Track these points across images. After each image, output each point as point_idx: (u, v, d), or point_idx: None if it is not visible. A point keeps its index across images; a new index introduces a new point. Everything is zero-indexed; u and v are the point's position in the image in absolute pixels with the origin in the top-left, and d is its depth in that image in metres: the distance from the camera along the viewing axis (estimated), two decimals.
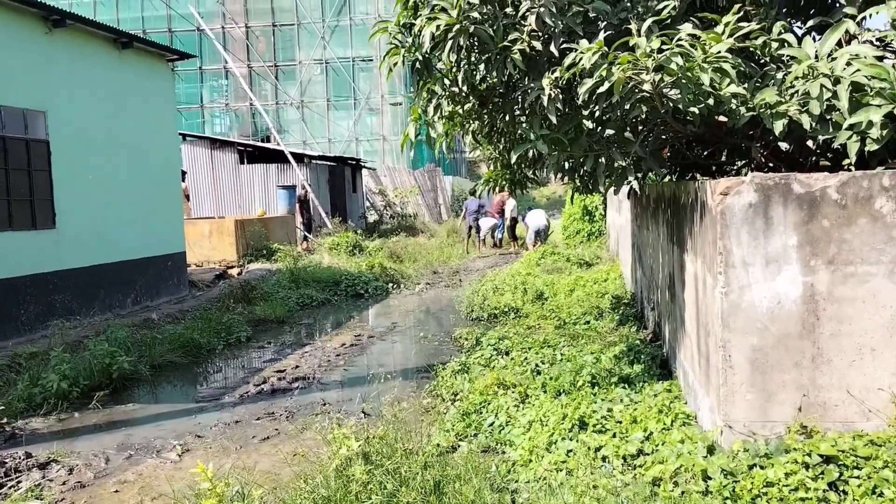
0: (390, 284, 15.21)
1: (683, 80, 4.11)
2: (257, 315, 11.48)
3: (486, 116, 5.73)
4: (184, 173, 15.56)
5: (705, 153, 6.88)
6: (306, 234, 20.14)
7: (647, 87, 4.24)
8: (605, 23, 4.80)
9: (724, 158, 6.82)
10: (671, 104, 4.39)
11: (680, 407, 5.14)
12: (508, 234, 21.93)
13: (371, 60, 38.45)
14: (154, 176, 13.28)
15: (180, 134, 17.45)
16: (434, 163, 36.09)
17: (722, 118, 4.47)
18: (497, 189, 8.66)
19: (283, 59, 39.36)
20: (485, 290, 12.05)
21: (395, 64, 5.09)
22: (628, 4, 4.79)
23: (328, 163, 24.10)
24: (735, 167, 6.54)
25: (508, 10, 4.95)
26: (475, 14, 4.66)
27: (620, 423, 5.08)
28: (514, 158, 5.02)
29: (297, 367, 8.50)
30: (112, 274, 11.90)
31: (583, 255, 14.91)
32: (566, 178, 6.78)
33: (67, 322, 10.68)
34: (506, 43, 4.76)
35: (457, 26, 4.61)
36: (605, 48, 4.23)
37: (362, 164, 28.13)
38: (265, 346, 9.96)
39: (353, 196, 26.13)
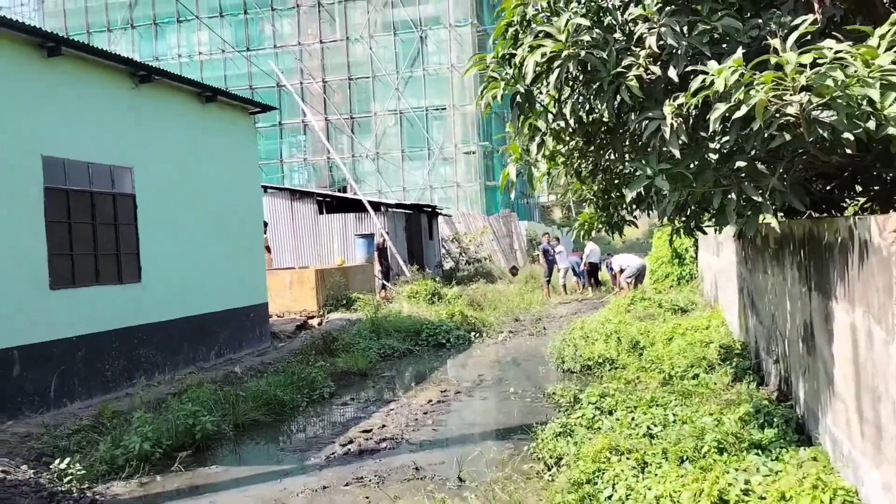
0: (472, 333, 14.68)
1: (839, 100, 3.52)
2: (339, 368, 11.12)
3: (590, 154, 5.22)
4: (265, 224, 15.57)
5: (828, 187, 6.19)
6: (385, 282, 19.90)
7: (791, 109, 3.66)
8: (732, 42, 4.26)
9: (847, 192, 6.11)
10: (819, 130, 3.78)
11: (835, 481, 4.38)
12: (587, 280, 21.19)
13: (444, 109, 38.69)
14: (237, 227, 13.26)
15: (262, 186, 17.64)
16: (509, 208, 35.69)
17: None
18: (588, 233, 8.12)
19: (358, 112, 40.03)
20: (574, 339, 11.37)
21: (494, 97, 4.66)
22: (759, 21, 4.24)
23: (404, 210, 24.00)
24: (865, 202, 5.82)
25: (617, 34, 4.48)
26: (585, 38, 4.20)
27: (764, 499, 4.37)
28: (629, 196, 4.48)
29: (383, 426, 8.02)
30: (195, 327, 11.80)
31: (676, 300, 14.05)
32: (665, 219, 6.21)
33: (151, 377, 10.59)
34: (619, 69, 4.27)
35: (565, 52, 4.15)
36: (743, 67, 3.68)
37: (438, 210, 27.95)
38: (349, 403, 9.55)
39: (429, 243, 25.90)
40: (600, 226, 7.88)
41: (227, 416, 8.33)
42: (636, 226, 7.97)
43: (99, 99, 10.10)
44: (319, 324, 16.52)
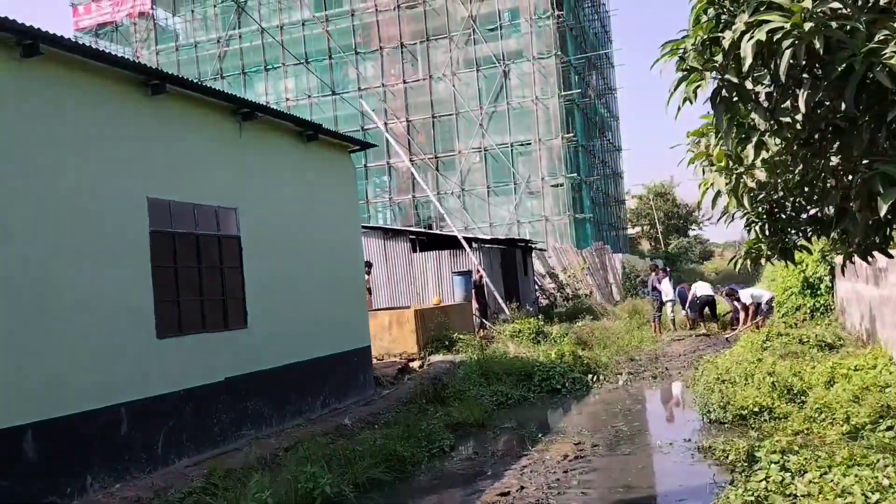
0: (587, 376, 13.55)
1: None
2: (454, 418, 10.23)
3: (802, 159, 4.23)
4: (369, 265, 15.00)
5: None
6: (483, 320, 19.01)
7: None
8: None
9: None
10: None
11: None
12: (698, 314, 19.67)
13: (529, 144, 37.93)
14: (339, 268, 12.70)
15: None
16: (601, 241, 34.38)
17: None
18: (755, 261, 7.03)
19: (442, 150, 39.75)
20: (714, 384, 10.11)
21: (696, 90, 3.74)
22: None
23: (499, 246, 23.16)
24: None
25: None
26: (830, 5, 3.27)
27: None
28: (883, 209, 3.46)
29: (521, 487, 7.04)
30: (301, 374, 11.18)
31: (822, 335, 12.56)
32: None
33: (259, 430, 9.97)
34: (873, 44, 3.31)
35: (807, 26, 3.22)
36: None
37: (531, 245, 26.98)
38: (472, 458, 8.63)
39: (524, 279, 24.93)
40: (769, 252, 6.80)
41: (346, 474, 7.53)
42: (810, 252, 6.85)
43: (202, 138, 9.73)
44: (421, 366, 15.73)
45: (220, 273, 9.77)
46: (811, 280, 15.06)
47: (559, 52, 37.23)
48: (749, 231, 7.34)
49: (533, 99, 37.57)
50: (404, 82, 40.11)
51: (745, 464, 6.59)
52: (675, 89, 3.88)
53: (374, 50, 40.07)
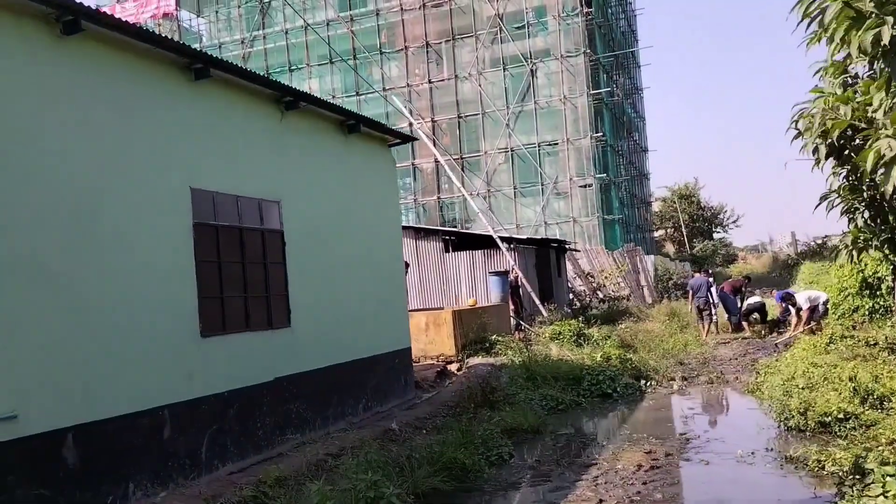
0: (641, 381, 12.92)
1: None
2: (507, 423, 9.64)
3: None
4: (407, 265, 14.51)
5: None
6: (520, 322, 18.41)
7: None
8: None
9: None
10: None
11: None
12: (743, 318, 19.00)
13: (556, 144, 37.28)
14: (380, 266, 12.18)
15: None
16: (632, 242, 33.65)
17: None
18: (860, 253, 6.41)
19: (468, 151, 39.20)
20: (791, 388, 9.44)
21: (873, 43, 3.15)
22: None
23: (533, 246, 22.55)
24: None
25: None
26: None
27: None
28: None
29: (601, 501, 6.45)
30: (344, 376, 10.66)
31: (894, 337, 11.86)
32: None
33: (303, 433, 9.46)
34: None
35: None
36: None
37: (565, 246, 26.33)
38: (535, 467, 8.05)
39: (558, 280, 24.29)
40: (879, 244, 6.19)
41: (406, 482, 6.98)
42: None
43: (245, 126, 9.25)
44: (459, 369, 15.19)
45: (264, 269, 9.27)
46: (870, 280, 14.32)
47: (587, 51, 36.57)
48: (849, 222, 6.74)
49: (561, 98, 36.94)
50: (430, 82, 39.64)
51: (852, 477, 5.96)
52: (840, 40, 3.28)
53: (398, 50, 39.62)
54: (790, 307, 16.76)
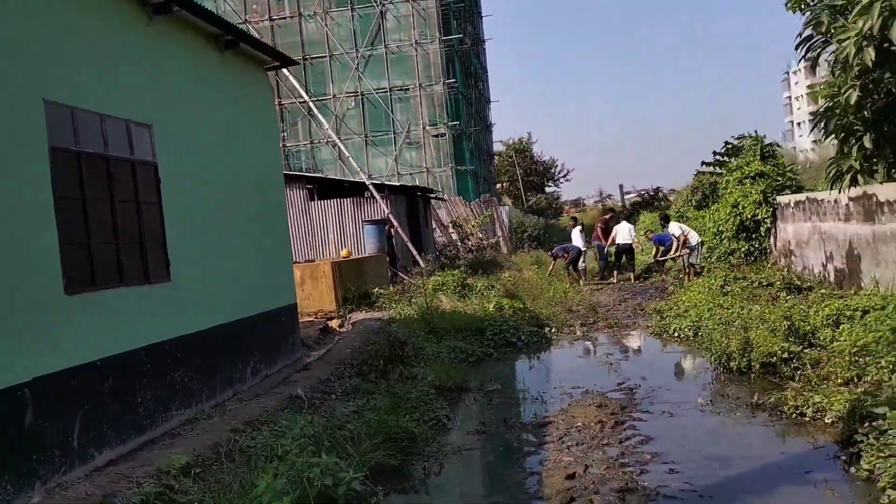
0: (546, 329, 12.37)
1: None
2: (430, 382, 8.63)
3: None
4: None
5: None
6: (399, 273, 17.35)
7: None
8: None
9: None
10: None
11: None
12: (614, 263, 19.21)
13: (408, 90, 36.07)
14: (264, 209, 10.57)
15: None
16: (488, 193, 33.49)
17: None
18: (853, 180, 5.94)
19: (314, 94, 36.92)
20: (731, 330, 9.03)
21: None
22: None
23: (403, 195, 21.42)
24: None
25: None
26: None
27: None
28: None
29: (586, 467, 5.61)
30: (231, 337, 9.09)
31: (789, 278, 12.08)
32: None
33: (189, 406, 7.89)
34: None
35: None
36: None
37: (430, 195, 25.42)
38: (483, 430, 7.09)
39: (426, 230, 23.39)
40: (876, 168, 5.74)
41: (350, 460, 5.76)
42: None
43: (108, 28, 7.28)
44: (341, 325, 13.89)
45: (137, 210, 7.46)
46: (747, 224, 14.69)
47: None
48: (844, 147, 6.26)
49: (412, 43, 35.65)
50: (270, 20, 36.79)
51: (855, 424, 5.53)
52: None
53: None
54: (670, 238, 16.83)
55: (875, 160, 11.46)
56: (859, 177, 5.58)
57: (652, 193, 43.49)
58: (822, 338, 8.39)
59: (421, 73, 35.74)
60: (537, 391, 8.41)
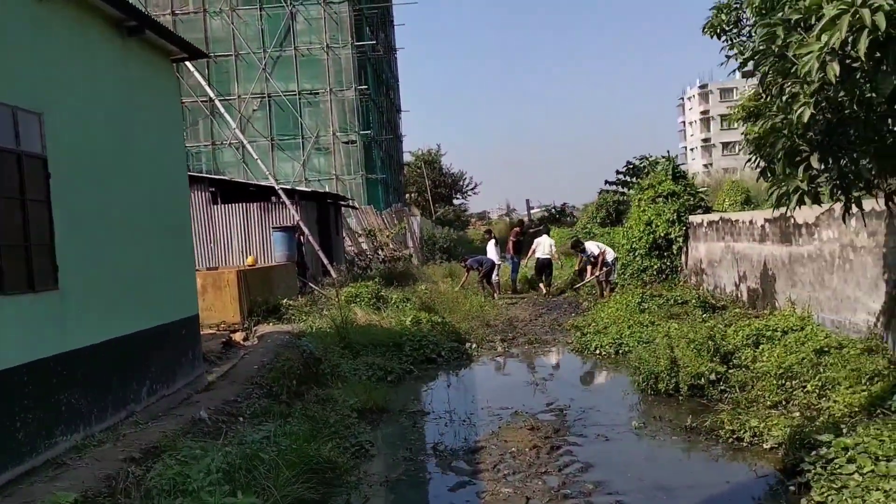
0: (467, 344, 11.99)
1: None
2: (350, 404, 8.04)
3: None
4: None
5: None
6: (310, 284, 16.56)
7: None
8: None
9: None
10: None
11: None
12: (536, 275, 19.12)
13: (318, 94, 35.18)
14: (167, 213, 9.69)
15: None
16: (400, 203, 33.04)
17: None
18: (800, 201, 5.85)
19: (218, 94, 35.39)
20: (658, 350, 8.87)
21: None
22: None
23: (314, 201, 20.59)
24: None
25: None
26: None
27: None
28: None
29: (527, 499, 5.21)
30: (124, 352, 8.19)
31: (704, 296, 12.17)
32: None
33: (76, 430, 6.99)
34: None
35: None
36: None
37: (341, 203, 24.63)
38: (411, 458, 6.58)
39: (336, 238, 22.60)
40: (822, 190, 5.66)
41: (266, 494, 5.13)
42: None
43: None
44: (246, 339, 13.03)
45: (22, 208, 6.54)
46: (660, 242, 14.86)
47: None
48: (786, 168, 6.14)
49: (324, 47, 34.84)
50: (173, 14, 35.10)
51: (799, 452, 5.38)
52: None
53: None
54: (585, 255, 16.83)
55: (819, 181, 11.66)
56: (805, 198, 5.51)
57: (559, 209, 44.32)
58: (743, 358, 8.38)
59: (332, 77, 34.95)
60: (464, 412, 7.98)
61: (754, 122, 12.38)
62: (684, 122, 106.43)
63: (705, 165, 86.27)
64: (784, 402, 6.97)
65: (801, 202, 5.36)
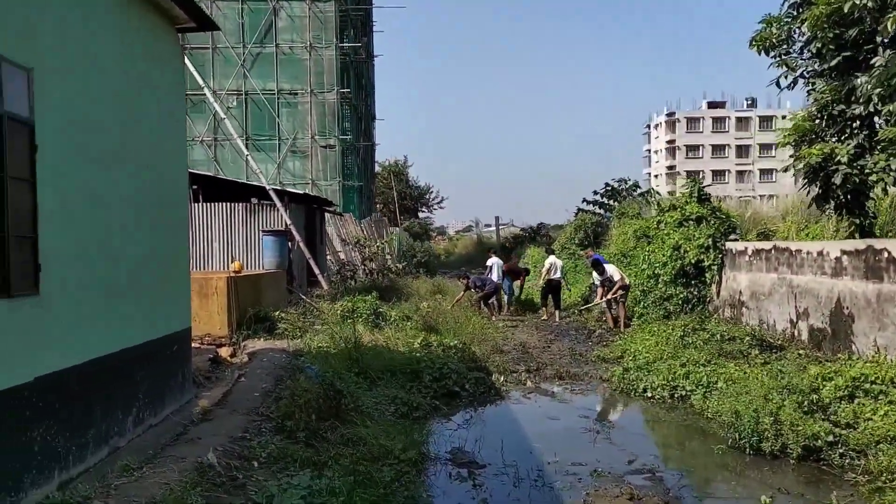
0: (494, 376, 10.63)
1: None
2: (373, 449, 6.57)
3: None
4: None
5: None
6: (300, 294, 14.99)
7: None
8: None
9: None
10: None
11: None
12: (543, 298, 17.92)
13: (297, 94, 33.55)
14: (166, 206, 8.17)
15: None
16: (377, 213, 31.54)
17: None
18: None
19: (191, 88, 33.48)
20: (758, 405, 7.53)
21: None
22: None
23: (303, 205, 18.99)
24: None
25: None
26: None
27: None
28: None
29: None
30: (110, 375, 6.63)
31: (760, 334, 10.95)
32: None
33: (50, 478, 5.42)
34: None
35: None
36: None
37: (326, 209, 23.00)
38: None
39: (320, 247, 21.00)
40: None
41: None
42: None
43: None
44: (233, 355, 11.46)
45: (1, 186, 5.00)
46: (688, 269, 13.72)
47: None
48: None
49: (306, 46, 33.29)
50: None
51: None
52: None
53: None
54: (598, 276, 15.64)
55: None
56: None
57: (535, 228, 43.29)
58: (842, 414, 7.19)
59: (313, 78, 33.40)
60: (527, 467, 6.58)
61: (808, 145, 11.39)
62: (649, 150, 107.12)
63: (670, 192, 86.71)
64: None
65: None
